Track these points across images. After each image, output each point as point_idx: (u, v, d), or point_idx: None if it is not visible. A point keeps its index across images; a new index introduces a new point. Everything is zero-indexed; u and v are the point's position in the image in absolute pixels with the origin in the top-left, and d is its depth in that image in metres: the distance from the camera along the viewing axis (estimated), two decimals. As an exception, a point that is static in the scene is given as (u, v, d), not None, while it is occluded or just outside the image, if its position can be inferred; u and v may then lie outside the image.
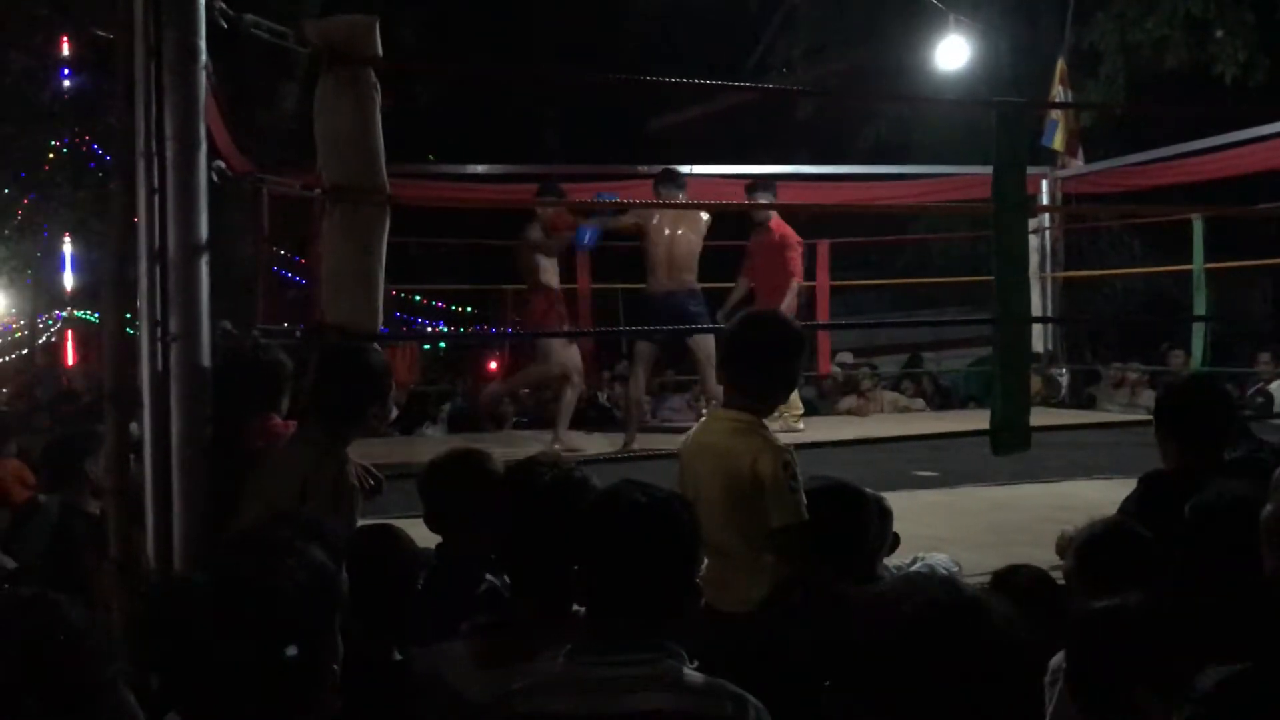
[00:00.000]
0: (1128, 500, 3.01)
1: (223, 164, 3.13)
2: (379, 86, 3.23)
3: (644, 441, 6.21)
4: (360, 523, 2.71)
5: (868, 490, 2.78)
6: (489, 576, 2.39)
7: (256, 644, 1.35)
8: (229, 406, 2.86)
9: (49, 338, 24.34)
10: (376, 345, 3.08)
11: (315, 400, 2.87)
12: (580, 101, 15.90)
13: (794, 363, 2.71)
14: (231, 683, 1.34)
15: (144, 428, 2.78)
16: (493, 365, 15.86)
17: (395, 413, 9.99)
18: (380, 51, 3.26)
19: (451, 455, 2.72)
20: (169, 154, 2.78)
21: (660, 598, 1.74)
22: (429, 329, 18.94)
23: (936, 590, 1.44)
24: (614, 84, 13.03)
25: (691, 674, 1.69)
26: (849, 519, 2.64)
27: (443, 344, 16.83)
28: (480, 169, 8.15)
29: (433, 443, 7.53)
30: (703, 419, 2.79)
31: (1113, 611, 2.01)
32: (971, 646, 1.36)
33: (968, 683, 1.35)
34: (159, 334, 2.76)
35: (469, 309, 19.03)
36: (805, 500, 2.53)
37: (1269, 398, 8.36)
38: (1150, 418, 3.22)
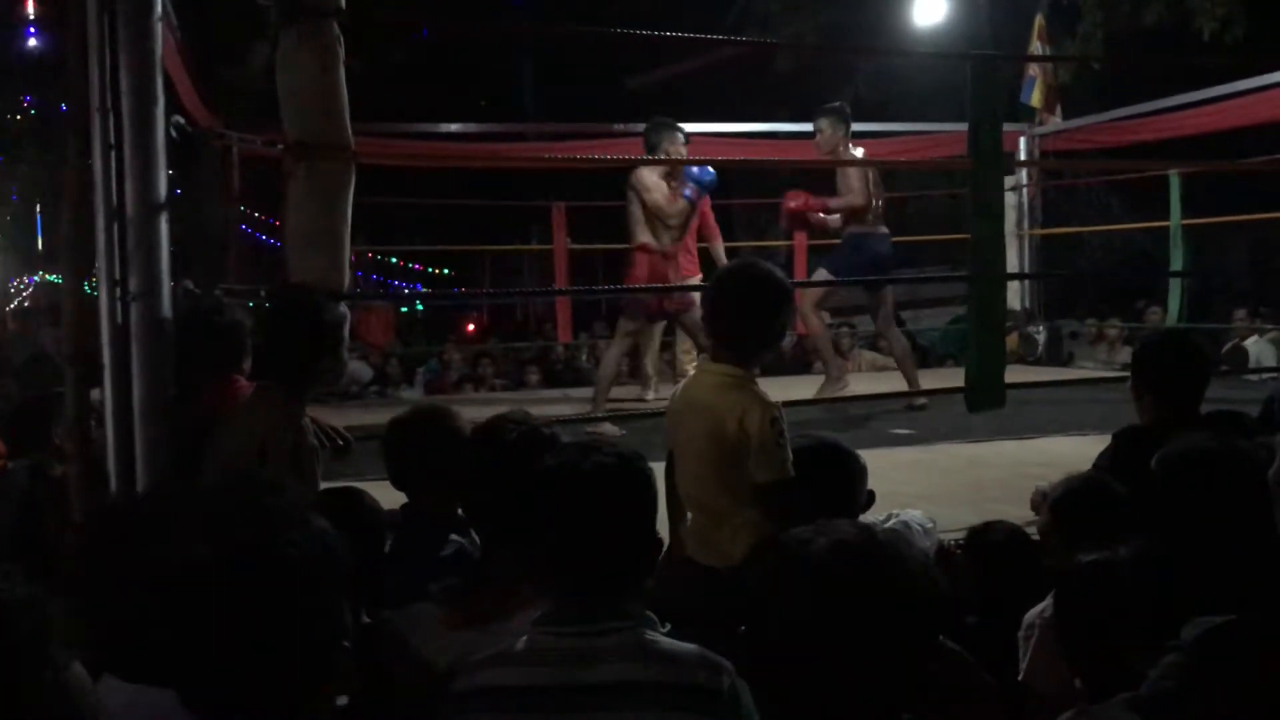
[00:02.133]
0: (1102, 456, 3.01)
1: (183, 120, 3.05)
2: (342, 40, 3.15)
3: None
4: (326, 485, 2.66)
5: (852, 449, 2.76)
6: (455, 537, 2.36)
7: (263, 624, 1.23)
8: (190, 367, 2.80)
9: (21, 302, 24.10)
10: (339, 303, 3.01)
11: (268, 357, 2.81)
12: (557, 60, 15.75)
13: (780, 317, 2.67)
14: (234, 667, 1.25)
15: (104, 389, 2.72)
16: (470, 328, 15.82)
17: (370, 374, 9.95)
18: (344, 4, 3.19)
19: (415, 413, 2.66)
20: (125, 109, 2.70)
21: (625, 560, 1.69)
22: (405, 291, 18.83)
23: (847, 531, 1.43)
24: (586, 36, 12.88)
25: (665, 641, 1.63)
26: (835, 477, 2.61)
27: (420, 306, 16.74)
28: (454, 127, 8.04)
29: (408, 406, 7.46)
30: (691, 372, 2.75)
31: (1104, 565, 2.00)
32: (883, 586, 1.36)
33: (881, 624, 1.35)
34: (118, 293, 2.70)
35: (445, 271, 18.93)
36: (791, 457, 2.51)
37: (1244, 354, 8.40)
38: (1127, 374, 3.21)
